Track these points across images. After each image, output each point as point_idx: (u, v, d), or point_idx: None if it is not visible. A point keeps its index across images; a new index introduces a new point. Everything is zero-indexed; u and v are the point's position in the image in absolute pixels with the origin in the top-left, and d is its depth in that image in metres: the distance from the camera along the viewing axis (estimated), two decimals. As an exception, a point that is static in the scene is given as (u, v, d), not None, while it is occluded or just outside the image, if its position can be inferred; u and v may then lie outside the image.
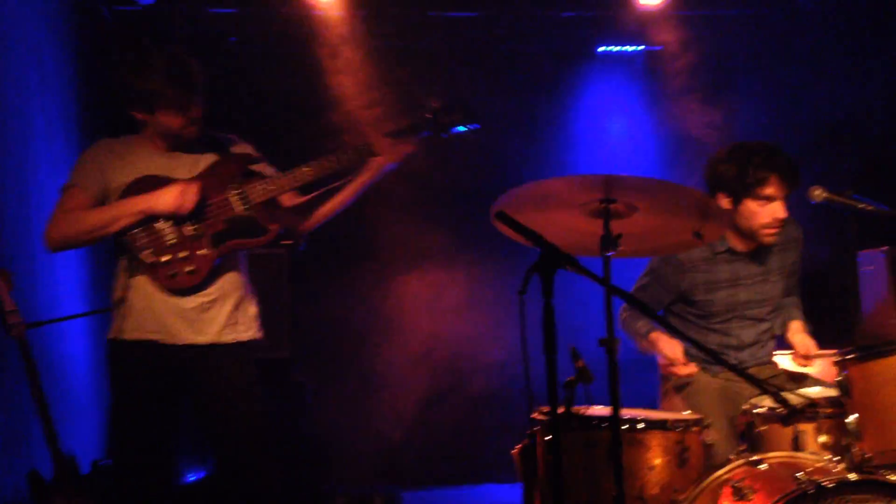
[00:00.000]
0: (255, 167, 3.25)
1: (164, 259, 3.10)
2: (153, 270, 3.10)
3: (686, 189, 2.72)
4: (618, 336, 2.69)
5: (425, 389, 6.30)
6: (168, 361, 3.12)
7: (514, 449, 3.19)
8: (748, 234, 3.47)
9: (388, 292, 6.34)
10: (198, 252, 3.13)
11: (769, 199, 3.37)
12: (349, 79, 5.50)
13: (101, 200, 3.14)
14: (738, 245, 3.53)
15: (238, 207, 3.16)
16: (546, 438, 2.93)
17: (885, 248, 4.30)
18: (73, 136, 4.74)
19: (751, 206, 3.38)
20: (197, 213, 3.12)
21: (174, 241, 3.11)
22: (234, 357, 3.17)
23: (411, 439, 6.39)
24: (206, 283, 3.15)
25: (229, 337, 3.17)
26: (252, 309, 3.26)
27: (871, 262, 4.36)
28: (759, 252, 3.54)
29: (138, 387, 3.13)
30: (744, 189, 3.37)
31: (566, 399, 2.89)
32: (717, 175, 3.44)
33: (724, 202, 3.43)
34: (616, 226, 2.71)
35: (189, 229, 3.13)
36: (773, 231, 3.41)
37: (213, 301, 3.15)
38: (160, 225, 3.11)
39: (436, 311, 6.24)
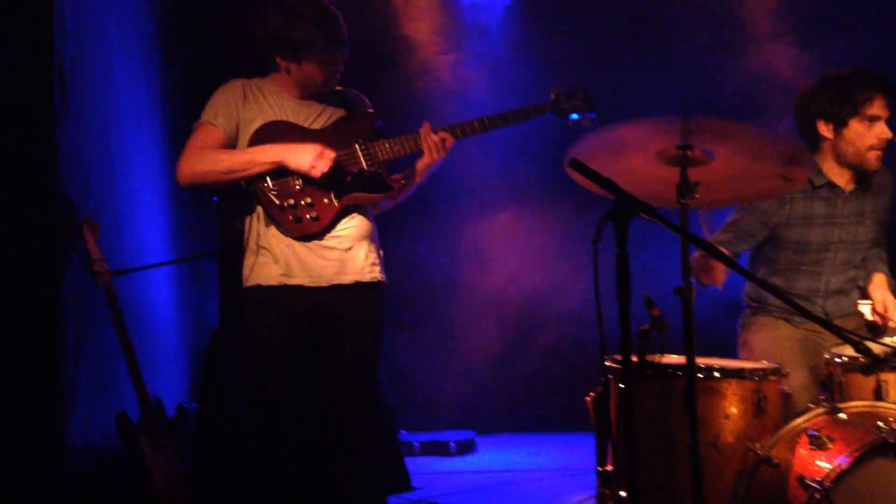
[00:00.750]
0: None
1: (288, 203, 3.18)
2: (279, 213, 3.18)
3: (768, 132, 2.66)
4: (693, 285, 2.67)
5: (500, 337, 6.34)
6: (314, 304, 3.21)
7: (587, 397, 3.21)
8: (853, 161, 3.40)
9: (466, 239, 6.38)
10: (323, 200, 3.20)
11: (875, 118, 3.34)
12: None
13: (233, 139, 3.22)
14: (838, 179, 3.44)
15: (364, 163, 3.23)
16: (619, 386, 2.92)
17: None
18: (154, 88, 4.83)
19: (856, 127, 3.35)
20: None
21: (299, 188, 3.18)
22: (374, 294, 3.29)
23: (486, 386, 6.44)
24: (340, 229, 3.23)
25: (369, 276, 3.27)
26: (381, 252, 3.37)
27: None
28: (856, 191, 3.46)
29: (284, 332, 3.21)
30: (850, 110, 3.34)
31: (640, 347, 2.89)
32: (818, 102, 3.40)
33: (826, 130, 3.40)
34: (693, 174, 2.67)
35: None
36: (879, 153, 3.39)
37: (352, 245, 3.24)
38: (290, 175, 3.18)
39: (512, 259, 6.26)
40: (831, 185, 3.44)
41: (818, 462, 2.48)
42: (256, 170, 3.15)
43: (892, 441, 2.34)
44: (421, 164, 3.31)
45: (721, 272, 3.33)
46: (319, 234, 3.21)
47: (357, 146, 3.23)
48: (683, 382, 2.67)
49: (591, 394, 3.19)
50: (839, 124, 3.37)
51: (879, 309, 3.39)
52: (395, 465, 4.80)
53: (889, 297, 3.40)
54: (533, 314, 6.32)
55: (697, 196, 2.67)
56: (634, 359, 2.89)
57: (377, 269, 3.31)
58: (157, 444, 3.57)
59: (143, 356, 3.68)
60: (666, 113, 2.64)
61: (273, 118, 3.22)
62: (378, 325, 3.33)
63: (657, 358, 2.85)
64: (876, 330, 3.43)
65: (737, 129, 2.61)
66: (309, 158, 3.14)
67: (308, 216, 3.20)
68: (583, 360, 5.57)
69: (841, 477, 2.34)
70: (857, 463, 2.35)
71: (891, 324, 3.36)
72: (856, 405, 2.72)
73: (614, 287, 2.39)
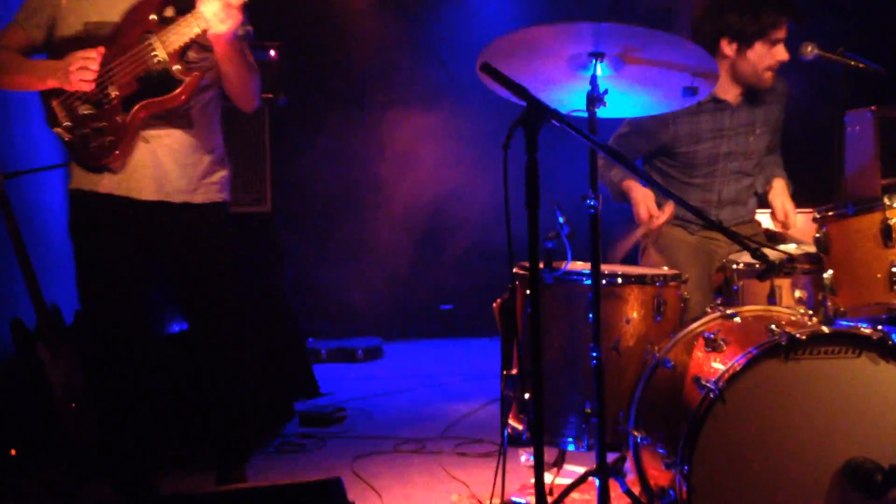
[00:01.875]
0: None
1: (82, 132, 2.88)
2: (79, 144, 2.89)
3: (679, 40, 2.66)
4: (601, 193, 2.70)
5: (409, 244, 6.35)
6: (138, 218, 2.97)
7: (494, 303, 3.25)
8: (750, 80, 3.46)
9: (373, 143, 6.30)
10: (116, 119, 2.87)
11: (778, 41, 3.39)
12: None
13: (45, 43, 2.93)
14: (725, 94, 3.50)
15: (151, 60, 2.83)
16: (525, 292, 2.97)
17: (872, 107, 4.26)
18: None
19: (760, 49, 3.39)
20: (108, 77, 2.85)
21: (89, 110, 2.88)
22: (206, 217, 3.03)
23: (395, 293, 6.47)
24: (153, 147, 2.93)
25: (201, 198, 3.01)
26: (224, 171, 3.09)
27: (857, 122, 4.33)
28: (744, 104, 3.52)
29: (104, 241, 2.98)
30: (758, 32, 3.36)
31: (547, 254, 2.92)
32: (725, 20, 3.40)
33: (728, 48, 3.43)
34: (605, 82, 2.67)
35: (99, 97, 2.87)
36: (773, 73, 3.45)
37: (186, 162, 2.97)
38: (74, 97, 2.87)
39: (422, 165, 6.22)
40: (717, 101, 3.49)
41: (713, 363, 2.57)
42: (39, 88, 2.86)
43: (783, 343, 2.43)
44: (210, 36, 2.81)
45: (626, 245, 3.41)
46: (119, 161, 2.89)
47: (145, 40, 2.82)
48: (587, 288, 2.72)
49: (499, 300, 3.24)
50: (744, 45, 3.40)
51: (780, 217, 3.49)
52: (302, 371, 4.81)
53: (789, 203, 3.51)
54: (443, 221, 6.34)
55: (605, 104, 2.69)
56: (541, 265, 2.95)
57: (213, 188, 3.03)
58: (55, 352, 3.48)
59: (39, 261, 3.55)
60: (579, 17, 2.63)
61: (89, 19, 2.87)
62: (216, 248, 3.05)
63: (561, 265, 2.89)
64: (773, 238, 3.54)
65: (648, 37, 2.61)
66: (67, 74, 2.78)
67: (105, 140, 2.87)
68: (491, 266, 5.63)
69: (734, 377, 2.43)
70: (749, 364, 2.44)
71: (791, 230, 3.47)
72: (750, 309, 2.82)
73: (524, 194, 2.40)
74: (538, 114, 2.38)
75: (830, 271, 2.71)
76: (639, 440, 2.75)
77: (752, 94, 3.52)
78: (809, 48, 3.26)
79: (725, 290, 3.06)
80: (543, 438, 2.47)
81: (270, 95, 4.43)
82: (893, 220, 2.61)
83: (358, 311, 6.41)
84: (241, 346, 3.15)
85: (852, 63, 3.25)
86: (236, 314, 3.14)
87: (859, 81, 3.54)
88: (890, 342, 2.44)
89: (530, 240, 2.40)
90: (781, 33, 3.37)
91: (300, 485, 2.34)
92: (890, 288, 2.60)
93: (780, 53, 3.40)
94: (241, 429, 3.18)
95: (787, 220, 3.46)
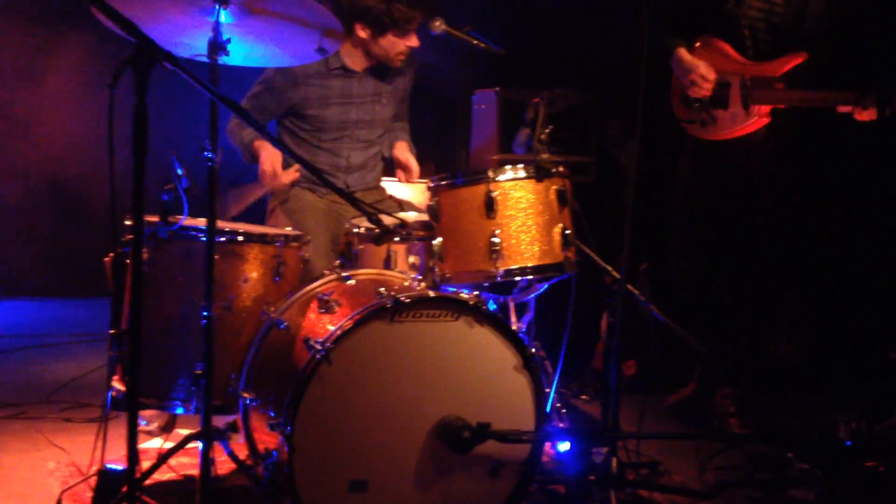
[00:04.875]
0: None
1: None
2: None
3: (308, 2, 2.63)
4: (220, 146, 2.60)
5: (17, 195, 5.82)
6: None
7: (105, 258, 3.03)
8: (379, 59, 3.55)
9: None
10: None
11: (410, 31, 3.50)
12: None
13: None
14: (353, 64, 3.56)
15: None
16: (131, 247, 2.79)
17: (497, 88, 4.53)
18: None
19: (392, 38, 3.49)
20: None
21: None
22: None
23: (4, 249, 5.92)
24: None
25: None
26: None
27: (484, 102, 4.58)
28: (372, 72, 3.60)
29: None
30: (390, 24, 3.45)
31: (163, 207, 2.77)
32: (360, 9, 3.46)
33: (363, 32, 3.49)
34: (229, 30, 2.57)
35: None
36: (405, 57, 3.57)
37: None
38: None
39: (24, 104, 5.67)
40: (345, 68, 3.56)
41: (324, 325, 2.58)
42: None
43: (388, 305, 2.49)
44: None
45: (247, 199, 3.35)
46: None
47: None
48: (204, 245, 2.61)
49: (111, 255, 3.03)
50: (378, 33, 3.49)
51: (402, 164, 3.64)
52: None
53: (412, 158, 3.65)
54: (52, 170, 5.86)
55: (228, 53, 2.59)
56: (154, 219, 2.79)
57: None
58: None
59: None
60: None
61: None
62: None
63: (177, 220, 2.76)
64: (400, 203, 3.66)
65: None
66: None
67: None
68: (104, 220, 5.29)
69: (341, 338, 2.45)
70: (357, 325, 2.47)
71: (414, 178, 3.60)
72: (365, 272, 2.87)
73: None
74: (149, 54, 2.22)
75: (440, 239, 2.83)
76: (248, 402, 2.70)
77: (380, 63, 3.60)
78: (438, 23, 3.37)
79: (347, 254, 3.11)
80: (139, 400, 2.34)
81: None
82: (496, 193, 2.78)
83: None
84: None
85: (475, 42, 3.40)
86: None
87: (490, 62, 3.73)
88: (484, 307, 2.59)
89: (135, 190, 2.26)
90: (414, 25, 3.49)
91: None
92: (489, 257, 2.77)
93: (412, 41, 3.52)
94: None
95: (409, 167, 3.59)
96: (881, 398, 3.46)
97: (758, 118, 3.47)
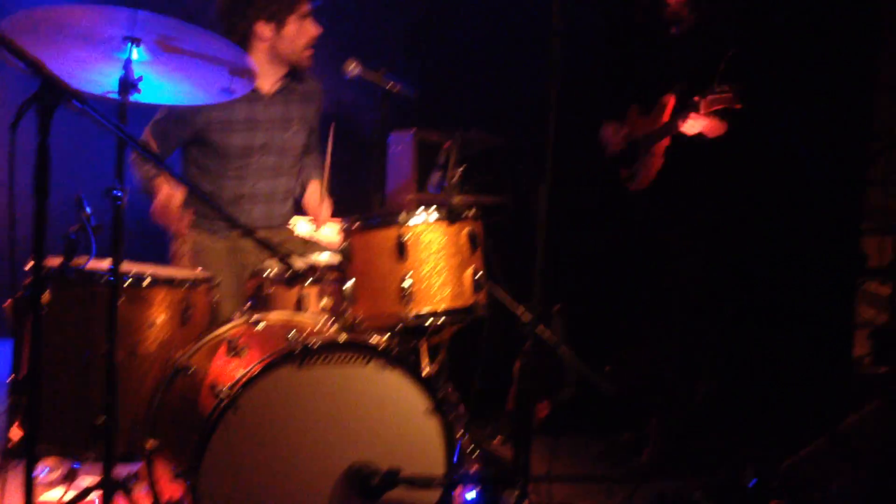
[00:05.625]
0: None
1: None
2: None
3: (219, 38, 2.64)
4: (126, 186, 2.55)
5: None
6: None
7: (6, 302, 2.94)
8: (291, 59, 3.54)
9: None
10: None
11: (307, 15, 3.51)
12: None
13: None
14: (263, 84, 3.53)
15: None
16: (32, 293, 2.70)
17: (413, 129, 4.54)
18: None
19: (293, 26, 3.49)
20: None
21: None
22: None
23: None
24: None
25: None
26: None
27: (400, 142, 4.59)
28: (279, 97, 3.57)
29: None
30: (287, 9, 3.46)
31: (68, 248, 2.70)
32: (254, 6, 3.45)
33: (266, 30, 3.47)
34: (142, 68, 2.55)
35: None
36: (311, 50, 3.56)
37: None
38: None
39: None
40: (253, 91, 3.51)
41: (231, 370, 2.53)
42: None
43: (297, 350, 2.46)
44: None
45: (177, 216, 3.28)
46: None
47: None
48: (110, 287, 2.55)
49: (10, 300, 2.93)
50: (280, 24, 3.49)
51: (312, 213, 3.60)
52: None
53: (322, 203, 3.59)
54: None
55: (140, 91, 2.56)
56: (55, 262, 2.71)
57: None
58: None
59: None
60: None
61: None
62: None
63: (82, 262, 2.68)
64: (310, 246, 3.63)
65: (185, 29, 2.53)
66: None
67: None
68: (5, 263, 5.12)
69: (248, 383, 2.41)
70: (265, 370, 2.43)
71: (323, 231, 3.57)
72: (275, 316, 2.83)
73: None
74: (53, 92, 2.18)
75: (352, 281, 2.82)
76: (152, 450, 2.62)
77: (288, 88, 3.59)
78: (352, 65, 3.38)
79: (257, 296, 3.07)
80: (39, 448, 2.26)
81: None
82: (408, 236, 2.78)
83: None
84: None
85: (390, 85, 3.42)
86: None
87: (407, 103, 3.74)
88: (395, 351, 2.58)
89: (35, 234, 2.20)
90: (307, 6, 3.51)
91: None
92: (401, 300, 2.77)
93: (313, 28, 3.53)
94: None
95: (320, 216, 3.56)
96: (788, 436, 3.55)
97: (656, 158, 3.66)
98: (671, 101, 3.70)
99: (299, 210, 3.70)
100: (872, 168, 5.38)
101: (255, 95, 3.47)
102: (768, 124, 3.52)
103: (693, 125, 3.53)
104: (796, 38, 3.68)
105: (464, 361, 3.56)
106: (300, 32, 3.51)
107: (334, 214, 3.63)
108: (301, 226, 3.57)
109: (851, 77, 4.34)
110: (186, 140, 3.49)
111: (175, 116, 3.43)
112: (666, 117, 3.69)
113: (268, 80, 3.54)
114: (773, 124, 3.49)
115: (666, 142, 3.68)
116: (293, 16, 3.47)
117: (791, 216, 4.33)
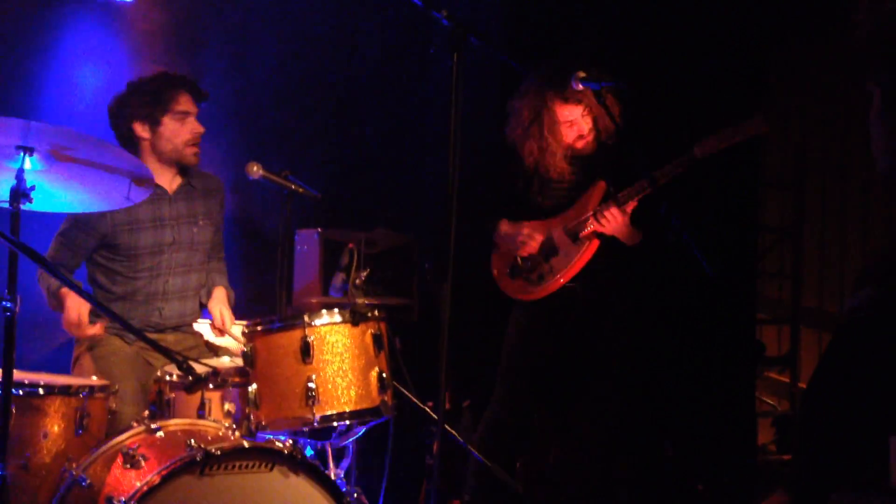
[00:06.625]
0: None
1: None
2: None
3: (116, 149, 2.66)
4: (18, 294, 2.49)
5: None
6: None
7: None
8: (173, 156, 3.51)
9: None
10: None
11: (184, 114, 3.49)
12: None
13: None
14: (162, 180, 3.51)
15: None
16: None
17: (319, 229, 4.55)
18: None
19: (170, 125, 3.48)
20: None
21: None
22: None
23: None
24: None
25: None
26: None
27: (306, 242, 4.59)
28: (182, 194, 3.56)
29: None
30: (160, 109, 3.46)
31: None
32: (131, 106, 3.47)
33: (143, 130, 3.47)
34: (35, 177, 2.53)
35: None
36: (196, 149, 3.54)
37: None
38: None
39: None
40: (156, 188, 3.50)
41: (129, 481, 2.45)
42: None
43: (198, 458, 2.40)
44: None
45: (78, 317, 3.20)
46: None
47: None
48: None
49: None
50: (154, 123, 3.48)
51: (217, 324, 3.53)
52: None
53: (227, 311, 3.56)
54: None
55: (32, 200, 2.53)
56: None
57: None
58: None
59: None
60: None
61: None
62: None
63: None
64: (216, 349, 3.57)
65: (79, 139, 2.53)
66: None
67: None
68: None
69: (147, 495, 2.34)
70: (164, 480, 2.37)
71: (226, 335, 3.52)
72: (176, 423, 2.77)
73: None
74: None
75: (255, 385, 2.78)
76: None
77: (190, 186, 3.57)
78: (255, 168, 3.39)
79: (159, 402, 2.99)
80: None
81: None
82: (312, 338, 2.77)
83: None
84: None
85: (293, 186, 3.44)
86: None
87: (313, 202, 3.76)
88: (300, 456, 2.54)
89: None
90: (184, 105, 3.50)
91: None
92: (306, 402, 2.74)
93: (194, 127, 3.52)
94: None
95: (224, 326, 3.51)
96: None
97: (589, 243, 3.69)
98: (598, 190, 3.74)
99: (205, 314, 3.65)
100: (765, 261, 5.63)
101: (158, 194, 3.45)
102: (662, 219, 3.63)
103: (611, 219, 3.59)
104: (689, 140, 3.82)
105: (374, 460, 3.51)
106: (178, 131, 3.49)
107: (243, 314, 3.60)
108: (206, 330, 3.52)
109: (741, 175, 4.56)
110: (95, 246, 3.42)
111: (81, 224, 3.38)
112: (591, 207, 3.69)
113: (164, 178, 3.53)
114: (666, 221, 3.61)
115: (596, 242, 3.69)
116: (167, 116, 3.47)
117: (693, 309, 4.47)
